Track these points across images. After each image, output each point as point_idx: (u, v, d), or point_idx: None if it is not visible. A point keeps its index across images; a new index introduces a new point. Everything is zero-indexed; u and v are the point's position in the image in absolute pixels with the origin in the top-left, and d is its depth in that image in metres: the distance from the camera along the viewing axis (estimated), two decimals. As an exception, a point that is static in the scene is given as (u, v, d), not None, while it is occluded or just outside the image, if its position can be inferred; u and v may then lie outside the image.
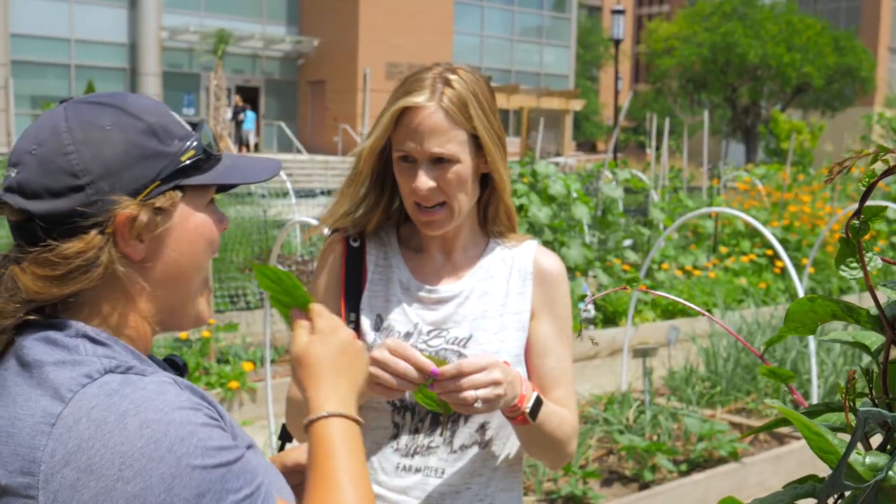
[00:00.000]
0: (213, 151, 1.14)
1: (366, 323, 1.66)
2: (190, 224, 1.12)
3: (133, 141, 1.07)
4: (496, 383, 1.46)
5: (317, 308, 1.28)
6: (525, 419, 1.55)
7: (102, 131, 1.06)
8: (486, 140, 1.61)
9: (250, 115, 28.64)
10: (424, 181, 1.59)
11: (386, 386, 1.46)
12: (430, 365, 1.44)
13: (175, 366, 1.22)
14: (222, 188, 1.18)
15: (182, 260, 1.12)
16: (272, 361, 6.32)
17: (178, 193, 1.10)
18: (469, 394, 1.44)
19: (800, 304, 1.01)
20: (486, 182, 1.69)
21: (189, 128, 1.14)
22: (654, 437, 4.95)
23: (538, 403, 1.56)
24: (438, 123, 1.57)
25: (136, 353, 1.08)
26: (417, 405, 1.63)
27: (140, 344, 1.12)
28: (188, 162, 1.10)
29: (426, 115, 1.57)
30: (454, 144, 1.59)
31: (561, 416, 1.64)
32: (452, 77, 1.61)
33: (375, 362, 1.46)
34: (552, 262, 1.74)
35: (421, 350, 1.62)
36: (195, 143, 1.12)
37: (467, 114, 1.59)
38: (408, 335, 1.65)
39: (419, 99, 1.58)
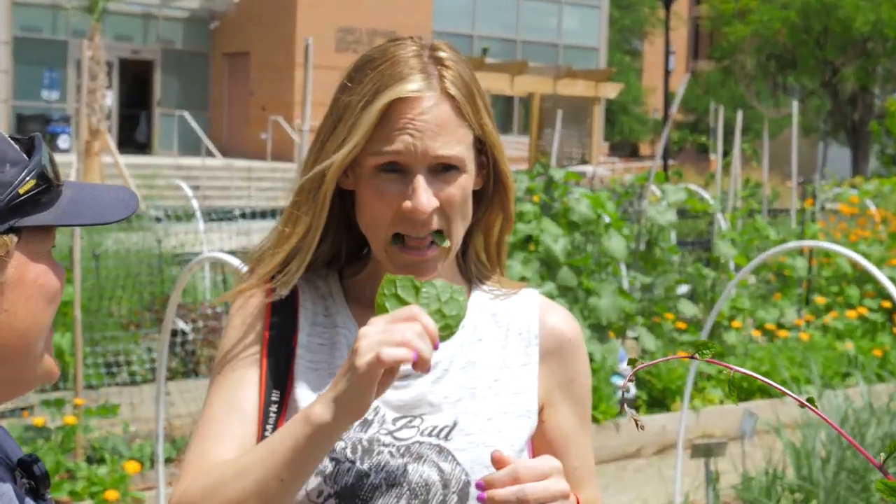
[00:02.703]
0: (53, 180, 1.16)
1: (301, 405, 1.67)
2: (28, 277, 1.14)
3: None
4: (564, 496, 1.53)
5: None
6: None
7: None
8: (492, 137, 1.69)
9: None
10: (427, 199, 1.62)
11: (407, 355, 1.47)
12: (437, 334, 1.49)
13: (28, 471, 1.22)
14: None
15: (18, 323, 1.14)
16: (167, 461, 6.26)
17: (14, 238, 1.12)
18: None
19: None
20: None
21: (18, 149, 1.16)
22: (722, 574, 4.93)
23: None
24: (445, 117, 1.63)
25: None
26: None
27: None
28: (26, 196, 1.12)
29: (429, 107, 1.63)
30: (464, 147, 1.65)
31: None
32: (443, 55, 1.67)
33: (369, 334, 1.46)
34: (565, 322, 1.79)
35: (385, 446, 1.65)
36: (35, 171, 1.14)
37: (475, 105, 1.66)
38: (365, 424, 1.66)
39: (414, 86, 1.63)
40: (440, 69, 1.65)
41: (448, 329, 1.54)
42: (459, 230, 1.69)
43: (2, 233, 1.11)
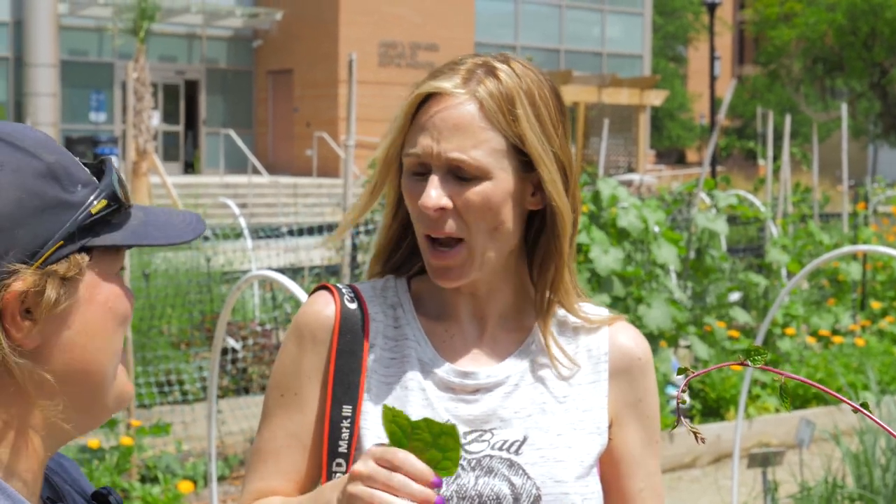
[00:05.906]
0: (123, 201, 1.18)
1: (373, 420, 1.68)
2: (99, 297, 1.15)
3: (29, 187, 1.10)
4: None
5: None
6: None
7: None
8: (538, 153, 1.65)
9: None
10: (433, 194, 1.63)
11: None
12: (431, 474, 1.42)
13: (104, 502, 1.24)
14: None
15: (91, 346, 1.15)
16: (220, 479, 6.29)
17: (85, 257, 1.13)
18: None
19: None
20: (533, 223, 1.72)
21: (88, 170, 1.18)
22: (783, 585, 4.88)
23: None
24: (466, 118, 1.63)
25: (14, 495, 1.08)
26: None
27: (27, 473, 1.12)
28: (98, 216, 1.14)
29: (451, 106, 1.63)
30: (484, 151, 1.63)
31: None
32: (501, 66, 1.67)
33: (361, 478, 1.41)
34: (636, 343, 1.79)
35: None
36: (105, 192, 1.16)
37: (512, 113, 1.64)
38: None
39: (446, 84, 1.64)
40: (485, 76, 1.66)
41: (447, 468, 1.43)
42: (484, 240, 1.66)
43: (74, 252, 1.12)
